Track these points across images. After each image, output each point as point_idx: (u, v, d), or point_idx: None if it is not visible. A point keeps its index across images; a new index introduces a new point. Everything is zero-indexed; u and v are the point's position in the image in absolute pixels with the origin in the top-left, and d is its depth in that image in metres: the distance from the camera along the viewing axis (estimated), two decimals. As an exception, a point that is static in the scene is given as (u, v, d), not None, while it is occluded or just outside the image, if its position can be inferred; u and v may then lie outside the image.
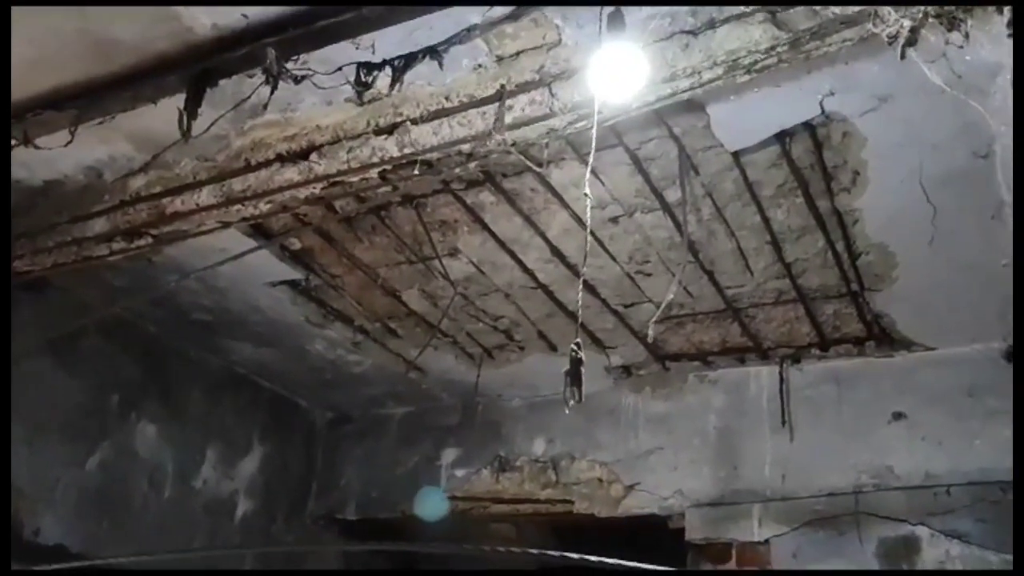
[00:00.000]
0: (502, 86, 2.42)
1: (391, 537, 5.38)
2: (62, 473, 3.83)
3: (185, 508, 4.42)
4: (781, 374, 4.21)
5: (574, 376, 1.79)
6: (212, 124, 2.68)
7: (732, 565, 3.91)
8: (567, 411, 1.78)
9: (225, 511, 4.66)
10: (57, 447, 3.82)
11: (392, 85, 2.54)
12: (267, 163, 2.82)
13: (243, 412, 4.85)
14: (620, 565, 1.48)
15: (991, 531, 3.52)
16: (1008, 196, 2.92)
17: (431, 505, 4.73)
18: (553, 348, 4.34)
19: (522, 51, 2.41)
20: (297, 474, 5.16)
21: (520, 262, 3.62)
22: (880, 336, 3.90)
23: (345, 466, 5.27)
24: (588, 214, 2.09)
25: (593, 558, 1.49)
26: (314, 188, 2.81)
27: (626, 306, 3.93)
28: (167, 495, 4.32)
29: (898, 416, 3.91)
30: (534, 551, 1.86)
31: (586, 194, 2.04)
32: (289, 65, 2.48)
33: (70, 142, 2.73)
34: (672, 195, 3.12)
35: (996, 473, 3.60)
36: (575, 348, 1.78)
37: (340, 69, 2.53)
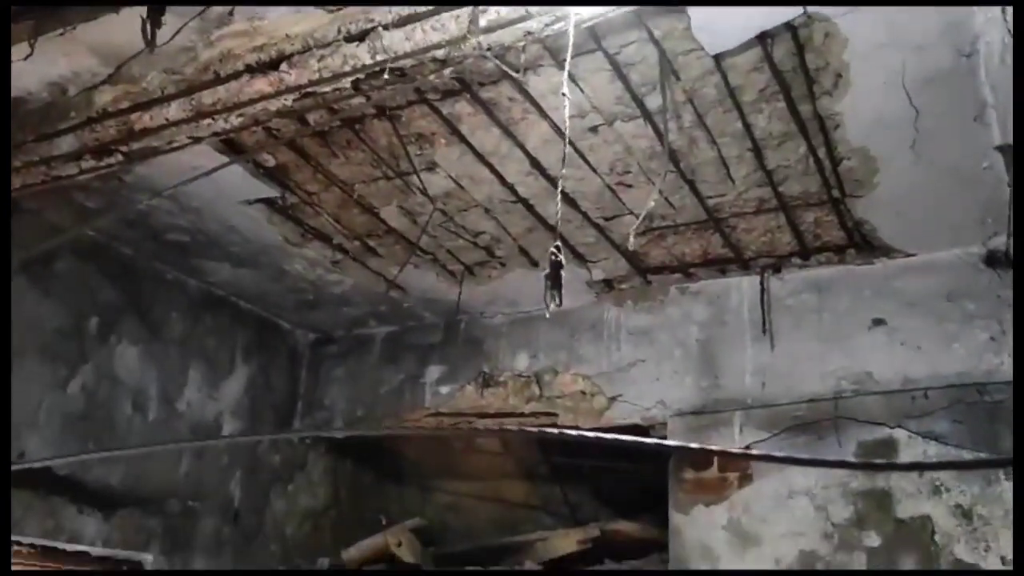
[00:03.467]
0: (476, -13, 2.34)
1: (378, 454, 5.46)
2: (44, 396, 3.82)
3: (171, 430, 4.43)
4: (762, 284, 4.22)
5: (554, 280, 1.77)
6: (177, 33, 2.60)
7: (714, 471, 3.98)
8: (547, 315, 1.76)
9: (211, 433, 4.68)
10: (37, 370, 3.80)
11: (361, -14, 2.45)
12: (236, 75, 2.73)
13: (224, 334, 4.83)
14: (600, 438, 1.49)
15: (967, 431, 3.60)
16: (991, 97, 2.89)
17: None
18: (534, 264, 4.32)
19: (496, -52, 2.33)
20: (282, 395, 5.18)
21: (499, 175, 3.57)
22: (861, 243, 3.91)
23: (329, 386, 5.30)
24: (566, 116, 2.04)
25: (572, 431, 1.49)
26: (285, 100, 2.73)
27: (607, 219, 3.90)
28: (152, 417, 4.33)
29: (878, 322, 3.94)
30: (512, 428, 1.87)
31: (564, 94, 1.99)
32: (254, -32, 2.39)
33: (30, 55, 2.65)
34: (653, 102, 3.07)
35: (973, 376, 3.67)
36: (554, 251, 1.76)
37: (307, -29, 2.44)
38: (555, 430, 1.63)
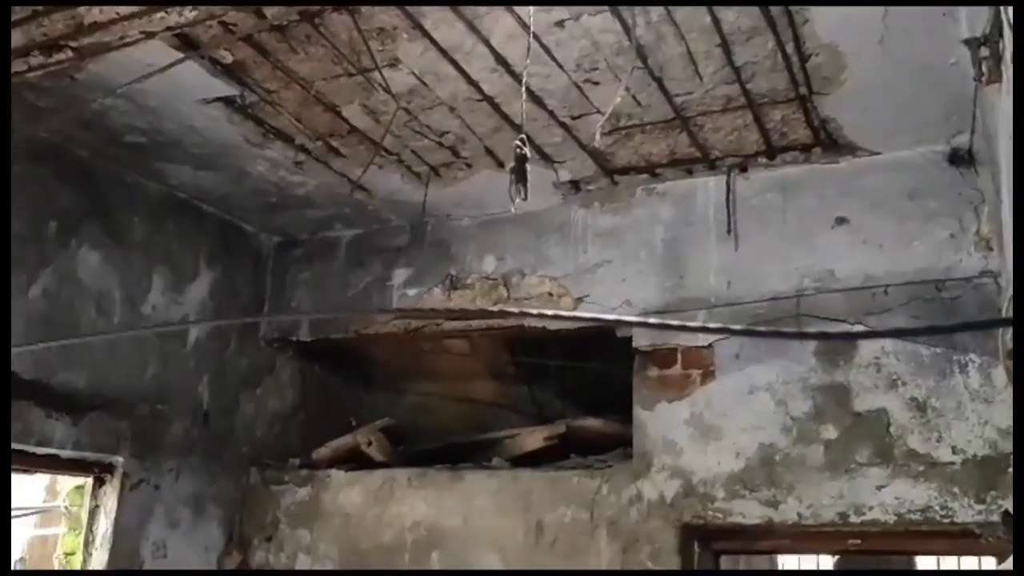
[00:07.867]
0: None
1: (345, 356, 5.48)
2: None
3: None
4: (728, 183, 4.23)
5: (519, 174, 1.75)
6: (123, -81, 2.48)
7: (678, 368, 4.06)
8: (513, 210, 1.75)
9: (177, 336, 4.66)
10: (-4, 275, 3.74)
11: None
12: (188, -36, 2.64)
13: (187, 238, 4.76)
14: (559, 315, 1.50)
15: (924, 326, 3.68)
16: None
17: None
18: (500, 165, 4.26)
19: None
20: (248, 299, 5.15)
21: (464, 72, 3.49)
22: (826, 142, 3.91)
23: (296, 289, 5.28)
24: (531, 8, 1.99)
25: (533, 311, 1.50)
26: (241, -10, 2.65)
27: (574, 118, 3.85)
28: (116, 321, 4.29)
29: (841, 221, 3.98)
30: (493, 308, 1.88)
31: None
32: None
33: (-32, -58, 2.51)
34: (620, -5, 3.00)
35: (932, 272, 3.74)
36: (519, 144, 1.74)
37: None
38: (516, 310, 1.63)
